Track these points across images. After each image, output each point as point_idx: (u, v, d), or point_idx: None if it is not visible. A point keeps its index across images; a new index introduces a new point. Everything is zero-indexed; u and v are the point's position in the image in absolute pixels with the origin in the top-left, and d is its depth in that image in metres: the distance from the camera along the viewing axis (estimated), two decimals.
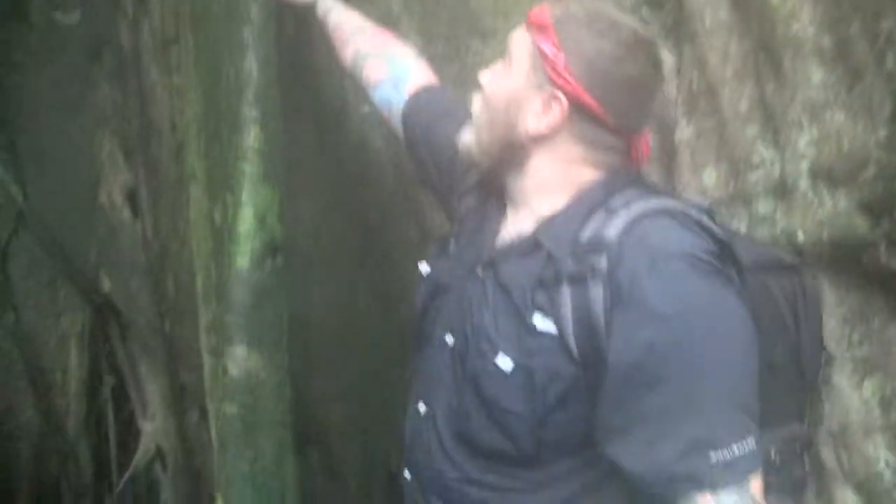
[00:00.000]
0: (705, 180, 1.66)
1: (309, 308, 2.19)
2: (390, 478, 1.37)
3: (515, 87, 1.23)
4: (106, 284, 2.55)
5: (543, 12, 1.21)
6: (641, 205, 1.16)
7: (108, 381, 2.70)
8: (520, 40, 1.25)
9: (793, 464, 1.34)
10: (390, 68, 1.69)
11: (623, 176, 1.25)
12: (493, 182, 1.36)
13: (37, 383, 2.66)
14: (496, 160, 1.29)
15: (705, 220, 1.18)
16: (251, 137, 1.50)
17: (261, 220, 1.49)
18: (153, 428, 2.42)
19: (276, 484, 1.39)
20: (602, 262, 1.11)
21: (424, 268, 1.42)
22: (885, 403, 1.44)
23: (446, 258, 1.40)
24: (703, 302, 1.09)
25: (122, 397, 2.71)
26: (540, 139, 1.23)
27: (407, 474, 1.36)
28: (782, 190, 1.52)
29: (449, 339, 1.30)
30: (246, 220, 1.47)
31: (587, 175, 1.24)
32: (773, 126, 1.53)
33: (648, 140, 1.31)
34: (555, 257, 1.16)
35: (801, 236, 1.48)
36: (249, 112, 1.50)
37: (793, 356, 1.31)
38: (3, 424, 2.68)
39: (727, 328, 1.10)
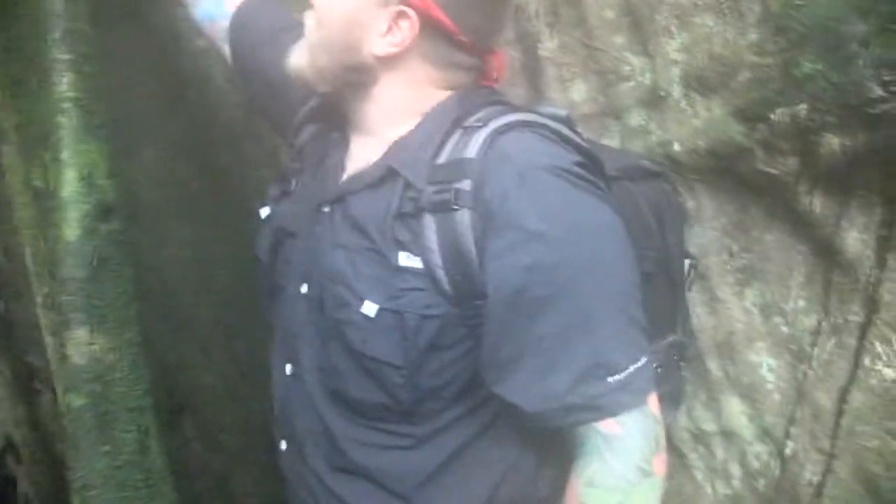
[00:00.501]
0: (573, 95, 1.58)
1: (161, 264, 1.99)
2: (273, 441, 1.27)
3: (355, 4, 1.09)
4: None
5: None
6: (499, 120, 1.06)
7: None
8: None
9: (671, 374, 1.32)
10: None
11: (475, 93, 1.14)
12: (333, 110, 1.21)
13: None
14: (336, 85, 1.15)
15: (565, 130, 1.10)
16: (65, 85, 1.27)
17: (87, 180, 1.27)
18: (0, 417, 2.18)
19: (140, 477, 1.24)
20: (465, 185, 1.02)
21: (265, 211, 1.27)
22: (766, 311, 1.44)
23: (288, 199, 1.25)
24: (579, 214, 1.02)
25: None
26: (387, 61, 1.10)
27: (283, 444, 1.24)
28: (654, 100, 1.46)
29: (304, 288, 1.16)
30: (70, 183, 1.25)
31: (439, 97, 1.13)
32: (642, 34, 1.45)
33: (503, 57, 1.20)
34: (412, 185, 1.05)
35: (676, 147, 1.44)
36: (59, 54, 1.27)
37: (662, 266, 1.27)
38: None
39: (607, 240, 1.04)
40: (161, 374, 2.05)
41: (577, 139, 1.11)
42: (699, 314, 1.50)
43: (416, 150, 1.08)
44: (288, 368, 1.21)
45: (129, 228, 1.83)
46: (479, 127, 1.06)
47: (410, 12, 1.07)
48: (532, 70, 1.63)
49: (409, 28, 1.07)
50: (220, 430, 2.03)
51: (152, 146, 1.89)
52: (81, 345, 1.25)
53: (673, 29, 1.40)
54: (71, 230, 1.26)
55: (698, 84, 1.38)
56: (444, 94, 1.13)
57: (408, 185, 1.06)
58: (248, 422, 2.00)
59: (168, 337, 2.06)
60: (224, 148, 1.93)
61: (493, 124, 1.05)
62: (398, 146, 1.11)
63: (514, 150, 1.03)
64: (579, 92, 1.57)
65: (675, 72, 1.41)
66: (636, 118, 1.50)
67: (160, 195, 1.94)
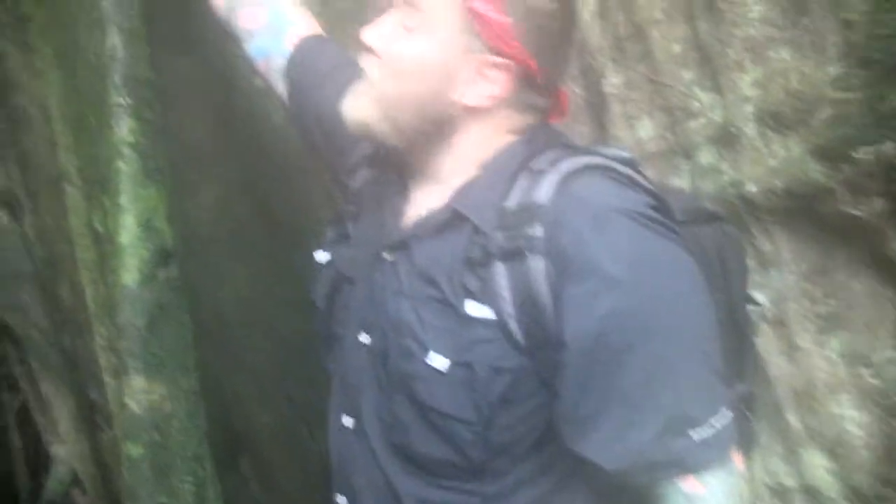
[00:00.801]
0: (640, 133, 1.52)
1: (218, 303, 1.99)
2: (330, 494, 1.23)
3: (438, 53, 1.03)
4: None
5: None
6: (568, 164, 1.02)
7: (11, 403, 2.45)
8: (433, 1, 1.03)
9: (740, 426, 1.24)
10: (269, 15, 1.45)
11: (541, 134, 1.09)
12: (395, 156, 1.16)
13: None
14: (413, 139, 1.09)
15: (632, 172, 1.05)
16: (124, 130, 1.27)
17: (146, 226, 1.26)
18: (66, 451, 2.19)
19: None
20: (537, 231, 0.97)
21: (322, 256, 1.23)
22: (851, 361, 1.35)
23: (345, 243, 1.21)
24: (657, 258, 0.97)
25: (27, 420, 2.47)
26: (475, 111, 1.06)
27: (340, 499, 1.20)
28: (726, 138, 1.39)
29: (364, 338, 1.12)
30: (128, 229, 1.25)
31: (507, 139, 1.08)
32: (711, 68, 1.39)
33: (567, 94, 1.17)
34: (480, 230, 1.01)
35: (750, 187, 1.37)
36: (118, 99, 1.27)
37: (728, 311, 1.20)
38: None
39: (685, 283, 0.99)
40: (219, 413, 2.05)
41: (645, 181, 1.06)
42: (777, 363, 1.41)
43: (483, 194, 1.04)
44: (347, 420, 1.17)
45: (188, 269, 1.84)
46: (548, 171, 1.02)
47: (506, 62, 1.02)
48: (596, 107, 1.58)
49: (503, 77, 1.03)
50: (277, 470, 2.01)
51: (211, 186, 1.90)
52: (139, 393, 1.24)
53: (745, 63, 1.33)
54: (129, 276, 1.26)
55: (774, 121, 1.31)
56: (512, 137, 1.09)
57: (475, 231, 1.02)
58: (305, 462, 1.98)
59: (225, 376, 2.06)
60: (281, 188, 1.92)
61: (563, 168, 1.01)
62: (464, 191, 1.06)
63: (588, 194, 0.99)
64: (646, 129, 1.51)
65: (749, 108, 1.34)
66: (707, 157, 1.43)
67: (218, 234, 1.94)
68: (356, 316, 1.15)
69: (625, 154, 1.09)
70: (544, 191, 0.99)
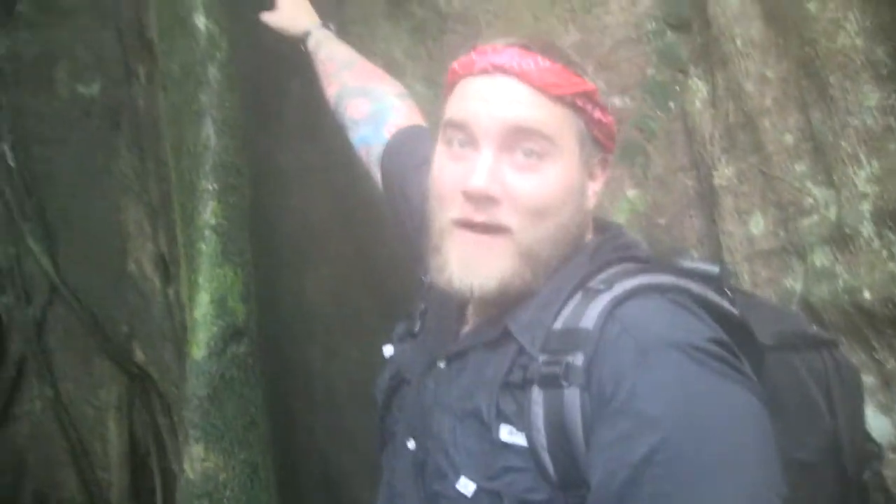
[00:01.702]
0: (752, 229, 1.40)
1: (329, 379, 2.02)
2: None
3: (576, 172, 1.00)
4: (139, 354, 2.47)
5: (568, 75, 0.98)
6: (626, 283, 0.92)
7: (153, 452, 2.60)
8: (550, 120, 0.97)
9: None
10: (372, 106, 1.50)
11: (611, 243, 1.02)
12: None
13: (78, 457, 2.58)
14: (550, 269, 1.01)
15: (710, 294, 0.94)
16: (208, 213, 1.35)
17: (219, 304, 1.32)
18: None
19: None
20: (577, 359, 0.88)
21: (388, 350, 1.20)
22: None
23: (410, 341, 1.17)
24: (708, 401, 0.85)
25: (167, 469, 2.61)
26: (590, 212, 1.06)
27: None
28: (841, 238, 1.25)
29: (411, 444, 1.08)
30: (202, 306, 1.31)
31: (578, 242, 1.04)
32: (825, 161, 1.27)
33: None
34: (526, 352, 0.94)
35: (867, 294, 1.21)
36: (206, 185, 1.36)
37: (829, 453, 1.02)
38: (47, 498, 2.62)
39: (741, 434, 0.85)
40: (325, 485, 2.05)
41: (724, 305, 0.94)
42: None
43: (537, 312, 0.96)
44: None
45: (300, 342, 1.90)
46: (602, 291, 0.92)
47: (609, 156, 1.05)
48: (707, 199, 1.48)
49: (608, 168, 1.05)
50: None
51: (328, 264, 1.96)
52: (196, 460, 1.27)
53: (861, 157, 1.20)
54: (198, 350, 1.31)
55: (893, 221, 1.16)
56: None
57: (521, 351, 0.95)
58: None
59: (334, 450, 2.07)
60: (392, 270, 1.94)
61: (618, 289, 0.92)
62: (520, 308, 0.99)
63: (636, 321, 0.89)
64: (757, 225, 1.39)
65: (865, 206, 1.21)
66: (821, 258, 1.29)
67: (332, 311, 1.99)
68: (406, 419, 1.11)
69: (709, 269, 0.98)
70: (592, 314, 0.91)
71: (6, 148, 2.34)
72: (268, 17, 1.74)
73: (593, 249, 1.01)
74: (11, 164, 2.32)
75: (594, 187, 1.02)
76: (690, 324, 0.89)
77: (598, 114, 1.00)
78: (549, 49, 1.00)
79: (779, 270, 1.37)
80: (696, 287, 0.93)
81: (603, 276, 0.95)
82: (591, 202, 1.02)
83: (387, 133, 1.46)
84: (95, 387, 2.56)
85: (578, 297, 0.94)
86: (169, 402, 2.48)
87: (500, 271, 0.97)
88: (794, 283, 1.34)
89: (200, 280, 1.34)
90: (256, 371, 1.36)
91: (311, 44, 1.66)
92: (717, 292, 0.95)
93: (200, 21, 1.43)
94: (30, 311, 2.43)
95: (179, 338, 2.32)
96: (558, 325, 0.93)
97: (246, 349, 1.34)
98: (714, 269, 0.97)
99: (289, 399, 1.99)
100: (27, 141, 2.30)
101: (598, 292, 0.92)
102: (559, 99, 0.97)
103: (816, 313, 1.30)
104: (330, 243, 1.97)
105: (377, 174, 1.46)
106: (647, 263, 0.99)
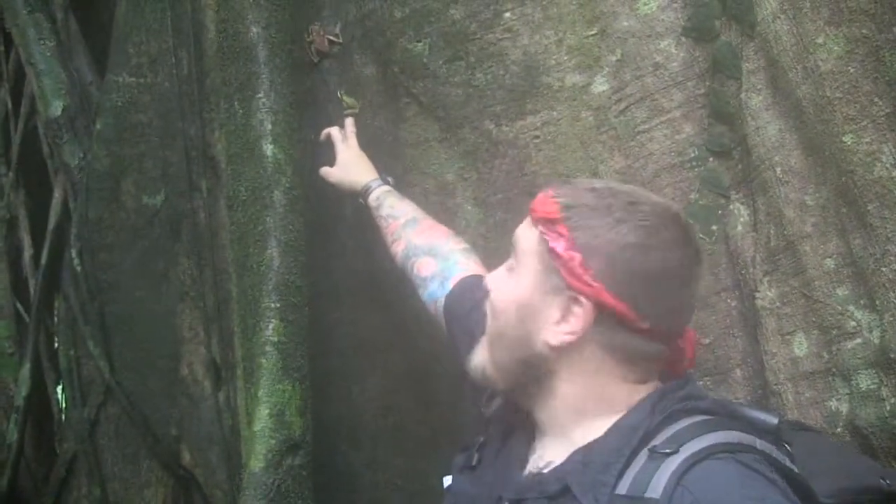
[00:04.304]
0: (795, 350, 1.42)
1: (376, 490, 2.03)
2: None
3: (525, 292, 1.05)
4: (186, 457, 2.50)
5: (548, 202, 1.04)
6: (693, 444, 0.92)
7: None
8: (525, 236, 1.06)
9: None
10: (440, 265, 1.56)
11: (670, 396, 1.02)
12: (515, 406, 1.14)
13: None
14: (514, 383, 1.09)
15: (775, 452, 0.95)
16: (269, 330, 1.42)
17: (278, 417, 1.37)
18: None
19: None
20: None
21: (447, 481, 1.19)
22: None
23: (470, 474, 1.17)
24: None
25: None
26: (562, 351, 1.02)
27: None
28: (886, 362, 1.26)
29: None
30: (261, 419, 1.36)
31: (625, 391, 1.02)
32: (867, 286, 1.29)
33: (693, 337, 1.10)
34: None
35: None
36: (269, 303, 1.43)
37: None
38: None
39: None
40: None
41: (787, 463, 0.95)
42: None
43: (599, 473, 0.96)
44: None
45: (346, 452, 1.91)
46: (669, 454, 0.92)
47: (582, 299, 0.99)
48: (750, 320, 1.50)
49: (581, 316, 1.00)
50: None
51: (375, 376, 1.99)
52: None
53: None
54: (256, 462, 1.35)
55: None
56: (630, 387, 1.03)
57: None
58: None
59: None
60: (443, 384, 1.96)
61: (686, 451, 0.91)
62: (582, 459, 1.00)
63: (707, 492, 0.88)
64: (801, 347, 1.41)
65: None
66: (866, 381, 1.30)
67: (381, 423, 2.01)
68: None
69: (769, 420, 0.98)
70: (660, 481, 0.90)
71: (73, 254, 2.45)
72: (326, 173, 1.83)
73: (658, 399, 1.00)
74: (77, 268, 2.43)
75: (559, 328, 1.01)
76: (761, 490, 0.88)
77: (556, 244, 1.01)
78: (563, 184, 1.08)
79: (823, 391, 1.38)
80: (761, 444, 0.93)
81: (668, 433, 0.95)
82: (550, 337, 1.02)
83: (451, 284, 1.52)
84: (142, 487, 2.58)
85: (643, 458, 0.94)
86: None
87: (478, 356, 1.12)
88: (840, 405, 1.35)
89: (260, 394, 1.40)
90: (310, 482, 1.39)
91: (372, 199, 1.74)
92: (775, 444, 0.95)
93: (268, 148, 1.53)
94: (84, 410, 2.50)
95: (228, 441, 2.36)
96: (622, 489, 0.93)
97: (301, 461, 1.37)
98: (773, 419, 0.97)
99: None
100: (93, 247, 2.41)
101: (665, 456, 0.92)
102: (534, 220, 1.06)
103: (864, 437, 1.30)
104: (378, 354, 2.01)
105: (442, 323, 1.51)
106: (711, 416, 0.98)
